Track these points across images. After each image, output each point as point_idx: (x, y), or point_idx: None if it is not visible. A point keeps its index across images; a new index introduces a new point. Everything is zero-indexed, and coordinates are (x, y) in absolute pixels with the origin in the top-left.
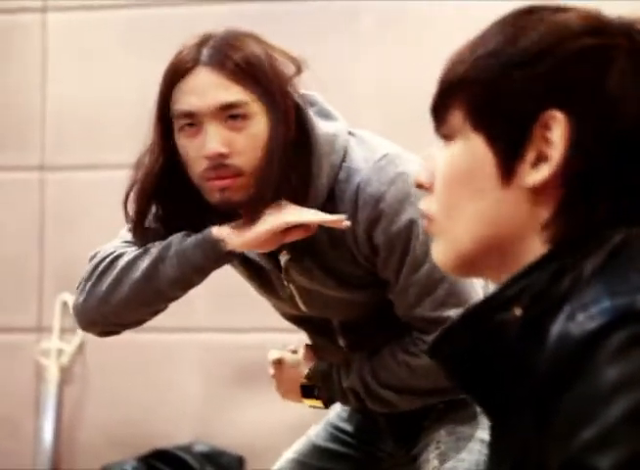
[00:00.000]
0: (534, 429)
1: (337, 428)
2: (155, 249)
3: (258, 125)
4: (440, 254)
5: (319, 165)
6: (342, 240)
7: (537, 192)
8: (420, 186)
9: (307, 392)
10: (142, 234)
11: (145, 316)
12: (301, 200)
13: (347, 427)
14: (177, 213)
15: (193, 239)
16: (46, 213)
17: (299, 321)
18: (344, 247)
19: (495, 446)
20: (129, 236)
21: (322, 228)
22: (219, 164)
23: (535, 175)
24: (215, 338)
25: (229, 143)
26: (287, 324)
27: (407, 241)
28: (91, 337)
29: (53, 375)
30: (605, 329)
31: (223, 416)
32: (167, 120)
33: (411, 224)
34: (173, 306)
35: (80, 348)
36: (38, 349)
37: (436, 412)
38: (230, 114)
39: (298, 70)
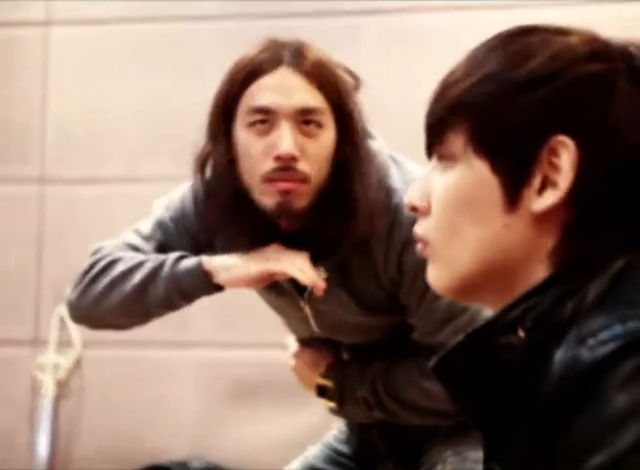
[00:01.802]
0: (538, 453)
1: (334, 450)
2: (149, 265)
3: (329, 136)
4: (438, 278)
5: (365, 182)
6: (370, 260)
7: (542, 218)
8: (414, 209)
9: (322, 391)
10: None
11: (131, 325)
12: (349, 214)
13: (345, 449)
14: (227, 220)
15: (185, 265)
16: (45, 227)
17: (308, 337)
18: (371, 268)
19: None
20: (132, 238)
21: (353, 248)
22: (288, 167)
23: (541, 201)
24: (213, 353)
25: (301, 147)
26: (284, 341)
27: None
28: (88, 351)
29: (49, 389)
30: (617, 355)
31: (220, 432)
32: (229, 118)
33: None
34: (171, 321)
35: (77, 362)
36: (34, 362)
37: (441, 436)
38: (307, 118)
39: (357, 86)
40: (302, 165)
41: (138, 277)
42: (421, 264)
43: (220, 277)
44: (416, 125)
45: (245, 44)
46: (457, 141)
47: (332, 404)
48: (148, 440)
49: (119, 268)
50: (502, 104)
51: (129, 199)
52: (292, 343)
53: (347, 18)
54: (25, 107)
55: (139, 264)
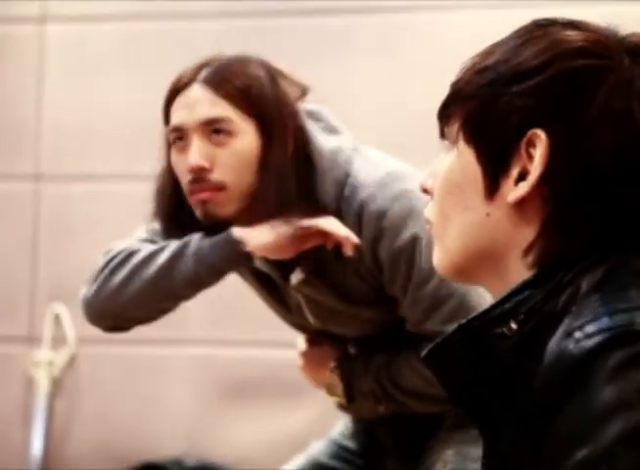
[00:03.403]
0: (528, 446)
1: (340, 446)
2: (172, 246)
3: (244, 143)
4: (436, 259)
5: (322, 181)
6: (346, 257)
7: (521, 209)
8: (425, 191)
9: (332, 388)
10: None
11: (154, 314)
12: (310, 216)
13: (351, 445)
14: (182, 233)
15: (213, 239)
16: (39, 225)
17: (311, 333)
18: (350, 263)
19: (486, 462)
20: (144, 234)
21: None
22: (200, 178)
23: (516, 191)
24: (208, 351)
25: (211, 158)
26: (281, 339)
27: (411, 257)
28: (83, 348)
29: (43, 386)
30: (603, 348)
31: (214, 430)
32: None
33: (414, 241)
34: (166, 319)
35: (71, 359)
36: (29, 360)
37: (445, 432)
38: (214, 128)
39: (302, 94)
40: (215, 175)
41: (162, 258)
42: (397, 255)
43: (252, 243)
44: (411, 123)
45: (242, 42)
46: (454, 127)
47: (342, 400)
48: (142, 437)
49: (141, 255)
50: (491, 95)
51: (125, 196)
52: (299, 342)
53: (343, 16)
54: (21, 104)
55: (162, 248)
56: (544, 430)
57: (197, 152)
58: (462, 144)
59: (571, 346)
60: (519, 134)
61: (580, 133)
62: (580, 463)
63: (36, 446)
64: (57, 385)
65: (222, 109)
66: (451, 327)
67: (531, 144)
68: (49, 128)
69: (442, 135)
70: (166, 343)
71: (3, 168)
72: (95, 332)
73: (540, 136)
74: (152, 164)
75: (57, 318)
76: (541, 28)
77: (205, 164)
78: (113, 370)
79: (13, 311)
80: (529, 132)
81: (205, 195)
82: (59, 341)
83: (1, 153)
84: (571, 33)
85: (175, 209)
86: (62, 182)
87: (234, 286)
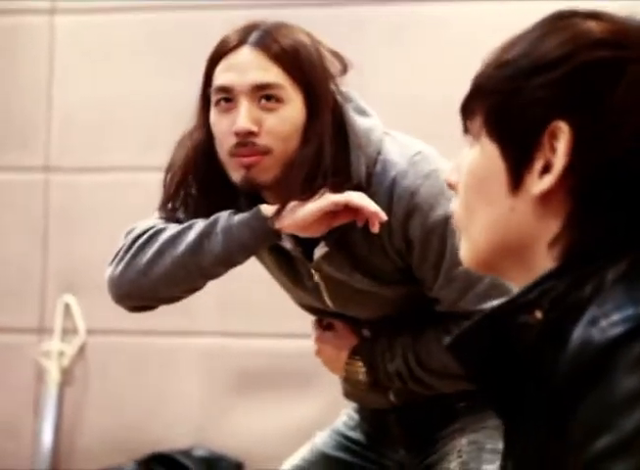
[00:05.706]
0: (552, 434)
1: (344, 436)
2: (201, 224)
3: (292, 110)
4: (463, 252)
5: (356, 157)
6: (374, 233)
7: (546, 202)
8: (449, 185)
9: (351, 373)
10: (172, 211)
11: (182, 293)
12: (340, 191)
13: (356, 436)
14: (208, 195)
15: (241, 216)
16: (50, 215)
17: (325, 315)
18: (377, 240)
19: (508, 451)
20: (164, 213)
21: (353, 221)
22: (247, 142)
23: (540, 184)
24: (217, 342)
25: (259, 122)
26: (289, 330)
27: (444, 236)
28: (92, 339)
29: (53, 377)
30: (627, 336)
31: (223, 421)
32: (209, 98)
33: (447, 219)
34: (175, 310)
35: (81, 350)
36: (39, 350)
37: (459, 422)
38: (264, 94)
39: (344, 70)
40: (262, 139)
41: (191, 236)
42: (429, 232)
43: (281, 221)
44: (422, 113)
45: None
46: (476, 122)
47: (363, 386)
48: (151, 428)
49: (168, 233)
50: (513, 88)
51: (134, 188)
52: (313, 328)
53: (355, 7)
54: (31, 96)
55: (189, 226)
56: (567, 417)
57: (246, 115)
58: (485, 139)
59: (595, 333)
60: (541, 127)
61: (602, 124)
62: (601, 452)
63: (46, 435)
64: (67, 375)
65: (275, 75)
66: (476, 316)
67: (554, 136)
68: (59, 120)
69: (466, 130)
70: (176, 334)
71: (13, 160)
72: (105, 323)
73: (563, 128)
74: (161, 156)
75: (67, 309)
76: (562, 20)
77: (254, 129)
78: (122, 361)
79: (23, 303)
80: (552, 124)
81: (250, 159)
82: (69, 331)
83: (11, 144)
84: (592, 24)
85: (210, 170)
86: (71, 174)
87: (242, 277)
